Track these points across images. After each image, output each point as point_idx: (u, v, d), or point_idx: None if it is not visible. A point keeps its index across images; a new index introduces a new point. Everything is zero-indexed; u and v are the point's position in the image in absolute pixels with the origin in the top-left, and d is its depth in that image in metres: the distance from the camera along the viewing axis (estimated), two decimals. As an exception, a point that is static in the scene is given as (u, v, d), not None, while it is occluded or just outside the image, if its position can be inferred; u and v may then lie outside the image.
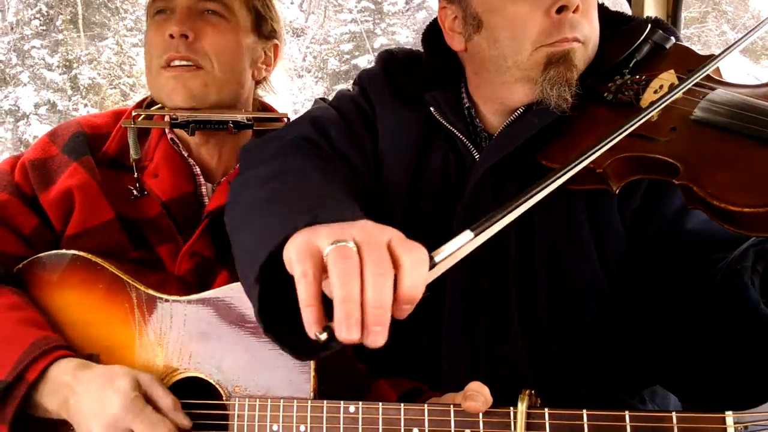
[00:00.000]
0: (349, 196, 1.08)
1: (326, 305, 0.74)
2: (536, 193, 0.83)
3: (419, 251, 0.75)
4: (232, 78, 1.47)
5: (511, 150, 1.20)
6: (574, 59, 1.16)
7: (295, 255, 0.77)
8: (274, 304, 0.87)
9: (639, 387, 1.29)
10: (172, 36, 1.39)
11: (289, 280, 0.78)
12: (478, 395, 0.93)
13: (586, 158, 0.88)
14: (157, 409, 1.10)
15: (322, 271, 0.75)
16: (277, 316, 0.86)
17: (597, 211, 1.21)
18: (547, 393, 0.95)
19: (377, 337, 0.70)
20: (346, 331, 0.70)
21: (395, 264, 0.73)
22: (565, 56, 1.15)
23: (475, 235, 0.78)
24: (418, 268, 0.73)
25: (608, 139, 0.90)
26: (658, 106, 0.97)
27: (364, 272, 0.72)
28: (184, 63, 1.39)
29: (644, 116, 0.95)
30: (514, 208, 0.81)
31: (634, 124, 0.93)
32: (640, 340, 1.20)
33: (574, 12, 1.15)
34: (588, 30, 1.18)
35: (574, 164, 0.86)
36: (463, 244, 0.77)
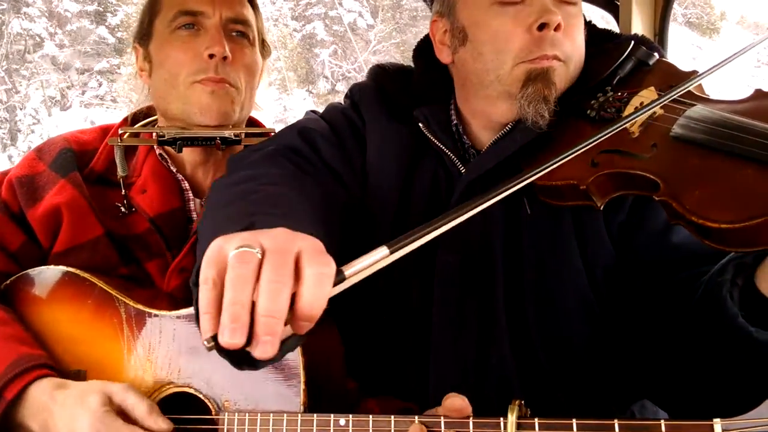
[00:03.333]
0: (313, 209, 1.07)
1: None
2: (459, 213, 0.83)
3: (325, 267, 0.74)
4: (251, 97, 1.50)
5: (492, 165, 1.21)
6: (552, 77, 1.16)
7: (205, 260, 0.76)
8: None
9: (627, 401, 1.29)
10: (211, 56, 1.39)
11: None
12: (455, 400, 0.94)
13: (526, 179, 0.89)
14: (132, 418, 1.09)
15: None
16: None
17: (583, 225, 1.22)
18: (536, 406, 0.95)
19: (266, 347, 0.69)
20: (229, 335, 0.69)
21: (298, 276, 0.72)
22: (544, 74, 1.16)
23: (391, 252, 0.78)
24: (320, 284, 0.72)
25: (563, 156, 0.93)
26: (629, 120, 1.00)
27: (260, 278, 0.71)
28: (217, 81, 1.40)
29: (613, 130, 0.97)
30: (435, 228, 0.81)
31: (599, 138, 0.96)
32: (627, 352, 1.21)
33: (555, 30, 1.15)
34: (570, 49, 1.19)
35: (507, 186, 0.87)
36: (376, 260, 0.77)
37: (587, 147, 0.94)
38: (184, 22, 1.42)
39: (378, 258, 0.77)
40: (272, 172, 1.16)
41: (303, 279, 0.72)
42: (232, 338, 0.68)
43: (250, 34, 1.49)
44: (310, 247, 0.76)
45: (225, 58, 1.40)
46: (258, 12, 1.53)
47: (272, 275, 0.71)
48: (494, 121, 1.26)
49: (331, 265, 0.74)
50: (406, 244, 0.79)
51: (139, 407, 1.09)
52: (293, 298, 0.72)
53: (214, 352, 1.10)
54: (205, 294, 0.73)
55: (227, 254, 0.74)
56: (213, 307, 0.72)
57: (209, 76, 1.39)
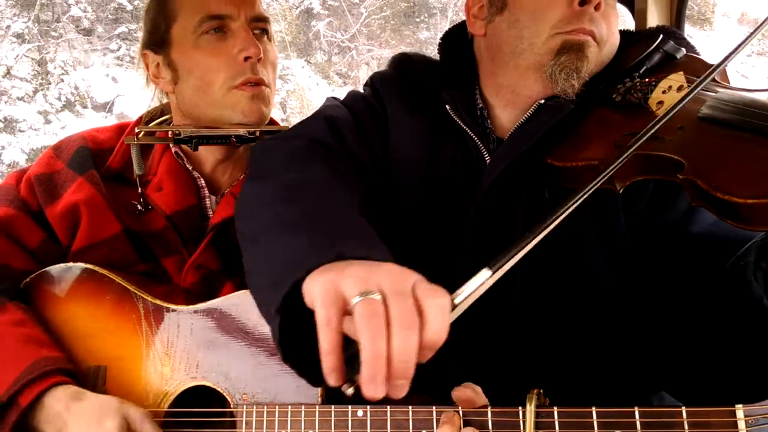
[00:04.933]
0: (365, 216, 1.07)
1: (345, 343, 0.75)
2: (551, 222, 0.85)
3: (442, 298, 0.76)
4: (273, 91, 1.51)
5: (524, 150, 1.21)
6: (586, 51, 1.18)
7: (320, 299, 0.77)
8: (290, 328, 0.87)
9: (646, 392, 1.28)
10: (246, 58, 1.39)
11: (308, 309, 0.79)
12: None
13: (599, 180, 0.90)
14: None
15: (344, 315, 0.76)
16: (294, 341, 0.87)
17: (602, 214, 1.21)
18: (553, 398, 0.95)
19: (400, 390, 0.72)
20: (375, 389, 0.71)
21: (419, 312, 0.74)
22: (579, 46, 1.18)
23: (493, 273, 0.80)
24: (442, 316, 0.75)
25: (626, 154, 0.93)
26: (676, 110, 0.98)
27: (390, 324, 0.72)
28: (254, 83, 1.42)
29: (664, 119, 0.96)
30: (530, 241, 0.83)
31: (651, 129, 0.95)
32: (647, 342, 1.20)
33: (596, 9, 1.18)
34: (605, 32, 1.21)
35: (587, 189, 0.89)
36: (481, 283, 0.79)
37: (638, 144, 0.94)
38: (211, 26, 1.41)
39: (482, 281, 0.80)
40: (323, 178, 1.16)
41: (426, 314, 0.74)
42: (377, 393, 0.71)
43: (269, 30, 1.50)
44: (421, 279, 0.79)
45: (259, 59, 1.41)
46: None
47: (403, 321, 0.73)
48: (520, 95, 1.26)
49: (445, 294, 0.77)
50: (506, 262, 0.81)
51: None
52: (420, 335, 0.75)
53: (233, 344, 1.12)
54: (329, 336, 0.75)
55: (347, 296, 0.76)
56: (338, 348, 0.75)
57: (247, 78, 1.39)
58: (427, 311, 0.74)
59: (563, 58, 1.17)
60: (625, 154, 0.94)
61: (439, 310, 0.74)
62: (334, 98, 1.42)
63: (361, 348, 0.72)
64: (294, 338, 0.87)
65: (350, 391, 0.74)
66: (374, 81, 1.40)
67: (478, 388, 0.96)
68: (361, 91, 1.42)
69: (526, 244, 0.82)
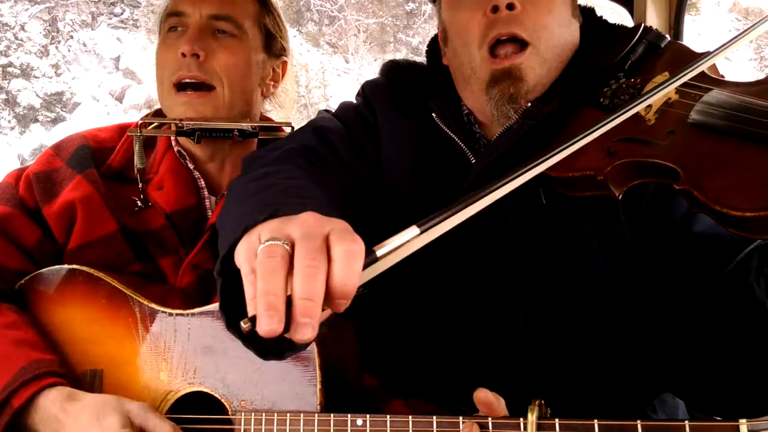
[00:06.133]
0: (331, 198, 1.07)
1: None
2: (491, 191, 0.82)
3: (355, 244, 0.73)
4: (242, 98, 1.47)
5: (501, 152, 1.20)
6: (519, 73, 1.17)
7: (242, 254, 0.77)
8: (240, 298, 0.84)
9: (649, 395, 1.28)
10: (183, 54, 1.38)
11: None
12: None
13: (544, 160, 0.89)
14: None
15: None
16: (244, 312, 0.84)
17: (602, 216, 1.20)
18: (555, 404, 0.94)
19: (305, 330, 0.68)
20: (267, 321, 0.68)
21: (329, 257, 0.72)
22: (507, 73, 1.17)
23: (421, 232, 0.76)
24: (351, 261, 0.72)
25: (583, 135, 0.91)
26: (641, 102, 0.96)
27: (294, 264, 0.71)
28: (194, 82, 1.40)
29: (624, 112, 0.95)
30: (464, 207, 0.79)
31: (613, 120, 0.93)
32: (650, 344, 1.19)
33: (511, 10, 1.16)
34: (531, 26, 1.18)
35: (529, 166, 0.87)
36: (407, 240, 0.76)
37: (597, 132, 0.92)
38: (171, 24, 1.44)
39: (408, 238, 0.76)
40: (289, 168, 1.17)
41: (333, 257, 0.72)
42: (270, 324, 0.68)
43: (234, 31, 1.45)
44: (339, 227, 0.76)
45: (198, 56, 1.39)
46: (271, 10, 1.52)
47: (305, 260, 0.71)
48: (490, 116, 1.24)
49: (360, 243, 0.74)
50: (436, 224, 0.78)
51: (161, 428, 1.08)
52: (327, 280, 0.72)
53: (231, 349, 1.11)
54: (249, 286, 0.73)
55: (257, 247, 0.75)
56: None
57: (180, 75, 1.39)
58: (334, 254, 0.72)
59: (495, 91, 1.18)
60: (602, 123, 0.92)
61: (349, 255, 0.72)
62: (326, 111, 1.44)
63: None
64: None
65: (246, 325, 0.70)
66: (365, 89, 1.42)
67: (501, 399, 0.95)
68: (353, 101, 1.43)
69: (462, 209, 0.79)
